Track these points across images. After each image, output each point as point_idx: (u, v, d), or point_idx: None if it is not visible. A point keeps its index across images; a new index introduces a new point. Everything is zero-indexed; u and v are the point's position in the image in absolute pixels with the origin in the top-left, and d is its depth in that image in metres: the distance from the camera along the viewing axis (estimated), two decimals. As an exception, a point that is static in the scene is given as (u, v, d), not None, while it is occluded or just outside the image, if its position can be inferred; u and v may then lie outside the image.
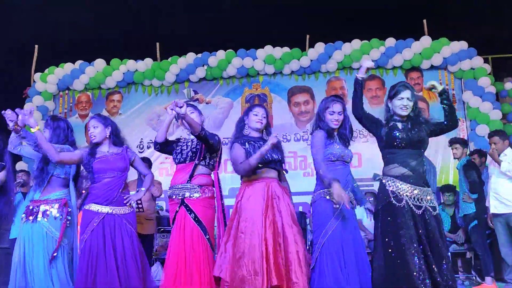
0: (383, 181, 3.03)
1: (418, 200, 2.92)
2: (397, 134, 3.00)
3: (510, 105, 7.06)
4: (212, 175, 3.51)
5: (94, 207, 3.31)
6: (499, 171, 4.62)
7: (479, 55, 7.10)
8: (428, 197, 2.96)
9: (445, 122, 3.11)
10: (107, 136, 3.49)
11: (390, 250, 2.88)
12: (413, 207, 2.90)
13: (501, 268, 4.96)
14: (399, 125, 3.06)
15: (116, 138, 3.52)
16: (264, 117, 3.43)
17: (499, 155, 4.66)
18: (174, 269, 3.22)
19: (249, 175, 3.32)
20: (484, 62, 7.10)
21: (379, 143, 3.16)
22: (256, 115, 3.41)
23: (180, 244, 3.26)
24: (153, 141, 3.63)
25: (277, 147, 3.35)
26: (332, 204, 3.09)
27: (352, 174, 3.36)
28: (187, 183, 3.36)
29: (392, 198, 2.93)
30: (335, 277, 2.99)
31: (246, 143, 3.34)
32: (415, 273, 2.76)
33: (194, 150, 3.43)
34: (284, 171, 3.48)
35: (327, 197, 3.14)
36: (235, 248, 3.14)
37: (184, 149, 3.48)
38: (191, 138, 3.54)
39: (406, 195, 2.92)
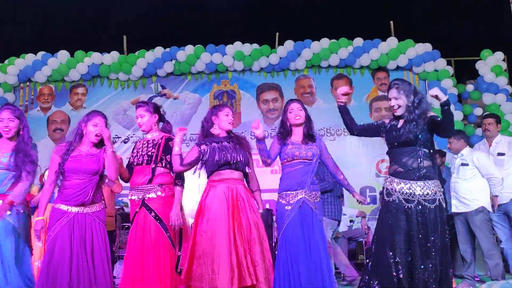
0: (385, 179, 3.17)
1: (409, 194, 2.97)
2: (391, 135, 3.10)
3: (471, 107, 7.31)
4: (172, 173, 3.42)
5: (63, 206, 3.18)
6: (458, 170, 4.73)
7: (442, 58, 7.30)
8: (426, 191, 2.97)
9: (442, 123, 3.01)
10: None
11: (381, 242, 2.99)
12: (403, 201, 2.97)
13: (457, 265, 5.11)
14: (399, 123, 3.13)
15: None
16: (233, 117, 3.48)
17: (456, 154, 4.78)
18: (132, 269, 3.18)
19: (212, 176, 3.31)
20: (447, 64, 7.32)
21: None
22: (227, 115, 3.39)
23: (139, 244, 3.21)
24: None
25: (241, 145, 3.36)
26: (284, 206, 3.31)
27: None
28: (147, 184, 3.29)
29: (385, 195, 3.06)
30: (288, 277, 3.17)
31: (203, 144, 3.32)
32: (389, 267, 2.88)
33: (150, 154, 3.35)
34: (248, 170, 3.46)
35: (283, 201, 3.35)
36: (195, 246, 3.13)
37: (140, 152, 3.40)
38: (147, 139, 3.48)
39: (398, 191, 3.00)
